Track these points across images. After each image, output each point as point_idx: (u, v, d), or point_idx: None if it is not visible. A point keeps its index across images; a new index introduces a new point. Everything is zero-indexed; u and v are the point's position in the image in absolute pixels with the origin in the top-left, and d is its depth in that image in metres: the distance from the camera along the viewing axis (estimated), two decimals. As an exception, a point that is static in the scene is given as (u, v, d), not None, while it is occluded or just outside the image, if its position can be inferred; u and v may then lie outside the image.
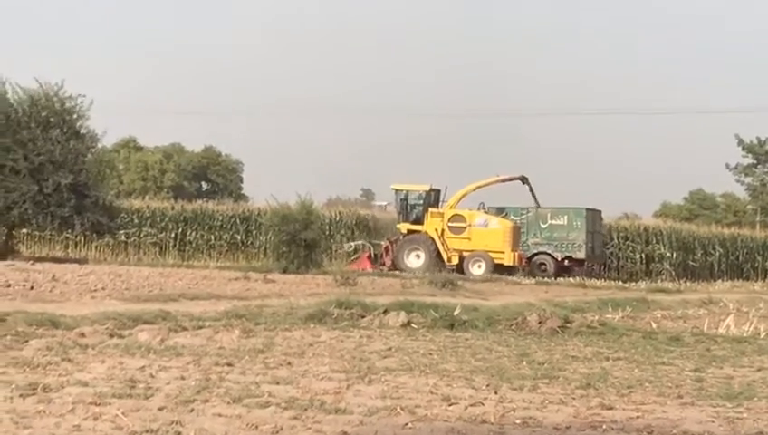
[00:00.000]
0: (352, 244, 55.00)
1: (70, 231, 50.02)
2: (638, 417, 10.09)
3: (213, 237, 62.48)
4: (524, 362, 14.28)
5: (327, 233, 55.79)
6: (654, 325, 21.33)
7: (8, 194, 42.81)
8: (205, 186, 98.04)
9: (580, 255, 51.94)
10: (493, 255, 47.54)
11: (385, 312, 20.10)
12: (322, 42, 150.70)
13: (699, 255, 63.64)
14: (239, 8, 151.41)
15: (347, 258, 53.23)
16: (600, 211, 55.60)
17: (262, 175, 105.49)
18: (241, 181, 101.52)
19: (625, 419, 9.97)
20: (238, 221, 63.21)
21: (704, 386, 12.59)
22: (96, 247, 57.14)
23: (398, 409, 10.00)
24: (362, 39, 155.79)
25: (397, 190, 51.16)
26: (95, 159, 47.22)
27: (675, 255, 61.84)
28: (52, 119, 45.06)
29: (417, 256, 47.81)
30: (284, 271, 40.69)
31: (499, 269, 46.88)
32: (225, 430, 8.65)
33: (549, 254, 51.54)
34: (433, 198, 50.37)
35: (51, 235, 53.21)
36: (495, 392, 11.33)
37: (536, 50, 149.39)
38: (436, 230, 48.77)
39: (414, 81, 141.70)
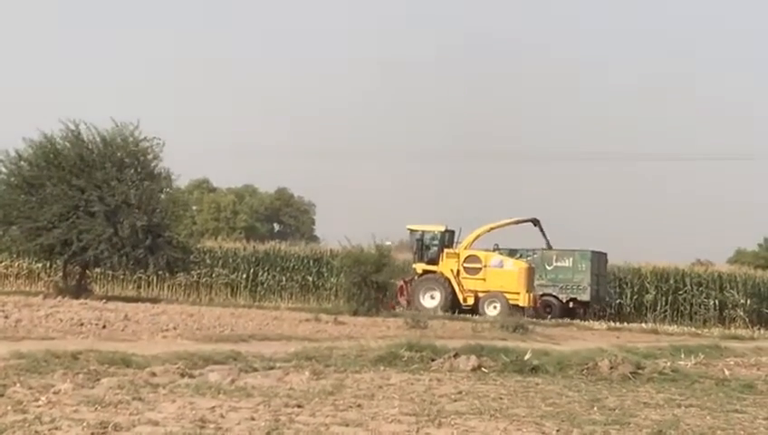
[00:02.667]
0: (395, 281, 55.01)
1: (143, 271, 50.37)
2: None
3: (284, 278, 62.58)
4: (595, 408, 14.20)
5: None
6: (727, 372, 21.08)
7: (83, 235, 43.00)
8: (277, 227, 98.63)
9: (585, 297, 51.87)
10: (508, 296, 47.41)
11: (455, 355, 20.07)
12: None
13: (774, 302, 62.93)
14: (322, 55, 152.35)
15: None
16: (605, 254, 55.54)
17: (334, 217, 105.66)
18: (313, 223, 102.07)
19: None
20: (310, 263, 63.27)
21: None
22: (168, 287, 57.46)
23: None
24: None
25: (412, 231, 51.14)
26: (169, 199, 47.38)
27: (748, 301, 61.16)
28: (126, 159, 45.31)
29: (432, 296, 47.71)
30: (355, 313, 40.67)
31: (514, 311, 46.61)
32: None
33: (554, 296, 51.54)
34: (447, 239, 50.39)
35: (123, 274, 53.57)
36: (565, 438, 11.28)
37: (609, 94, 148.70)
38: (452, 271, 48.70)
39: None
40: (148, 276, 54.76)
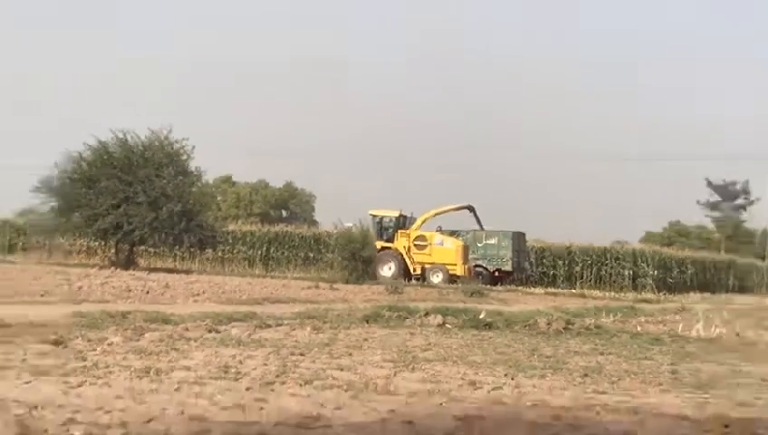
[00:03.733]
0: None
1: (179, 247, 50.52)
2: (626, 401, 10.02)
3: (291, 254, 62.74)
4: (535, 356, 14.21)
5: None
6: (639, 328, 21.16)
7: (131, 219, 43.60)
8: (285, 213, 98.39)
9: (508, 268, 52.54)
10: (448, 267, 48.24)
11: (426, 314, 20.08)
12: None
13: (675, 272, 63.28)
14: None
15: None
16: (524, 233, 56.29)
17: (330, 204, 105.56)
18: (313, 210, 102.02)
19: (615, 402, 9.90)
20: (311, 241, 63.47)
21: (678, 377, 12.50)
22: (198, 261, 57.51)
23: (435, 391, 9.98)
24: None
25: (373, 215, 51.42)
26: (199, 191, 47.95)
27: (656, 272, 61.57)
28: (164, 160, 45.78)
29: (389, 267, 48.05)
30: (346, 281, 40.75)
31: (453, 279, 47.06)
32: (299, 406, 8.65)
33: (484, 266, 51.83)
34: (401, 222, 50.71)
35: (163, 250, 53.53)
36: (512, 379, 11.29)
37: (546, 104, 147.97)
38: (404, 247, 49.23)
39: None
40: (183, 252, 54.90)
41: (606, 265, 61.93)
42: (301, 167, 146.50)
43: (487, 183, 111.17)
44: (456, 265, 48.45)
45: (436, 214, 52.33)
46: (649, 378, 12.17)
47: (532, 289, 47.72)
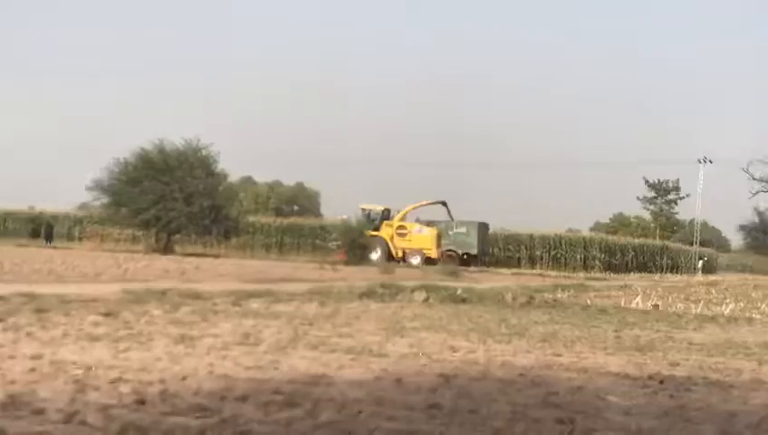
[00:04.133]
0: (334, 244, 55.57)
1: (208, 236, 50.62)
2: (577, 361, 10.04)
3: (300, 241, 62.74)
4: (503, 325, 14.22)
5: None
6: (588, 302, 21.21)
7: (169, 213, 44.12)
8: (295, 208, 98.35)
9: (474, 252, 52.52)
10: (425, 251, 48.46)
11: (412, 291, 20.11)
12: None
13: (618, 256, 63.55)
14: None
15: (332, 252, 53.58)
16: (487, 224, 56.32)
17: (333, 199, 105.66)
18: (319, 205, 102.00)
19: (569, 362, 9.91)
20: (318, 230, 63.48)
21: (621, 342, 12.52)
22: (224, 247, 57.50)
23: (420, 354, 9.99)
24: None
25: (363, 209, 51.80)
26: (225, 189, 48.50)
27: (602, 256, 61.79)
28: (195, 163, 46.22)
29: (376, 252, 48.21)
30: (347, 264, 40.76)
31: (429, 261, 47.44)
32: (307, 366, 8.65)
33: (454, 251, 51.67)
34: (386, 214, 51.06)
35: (195, 239, 53.65)
36: (484, 344, 11.30)
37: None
38: (388, 235, 49.42)
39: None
40: (211, 240, 54.93)
41: (561, 249, 62.17)
42: (309, 169, 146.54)
43: (462, 181, 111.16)
44: (431, 249, 48.79)
45: (414, 208, 52.63)
46: (597, 343, 12.19)
47: (500, 270, 47.87)
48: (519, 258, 61.23)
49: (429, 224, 51.74)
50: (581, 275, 46.77)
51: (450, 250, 51.44)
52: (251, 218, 62.97)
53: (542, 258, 61.34)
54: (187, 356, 8.94)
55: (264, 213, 78.25)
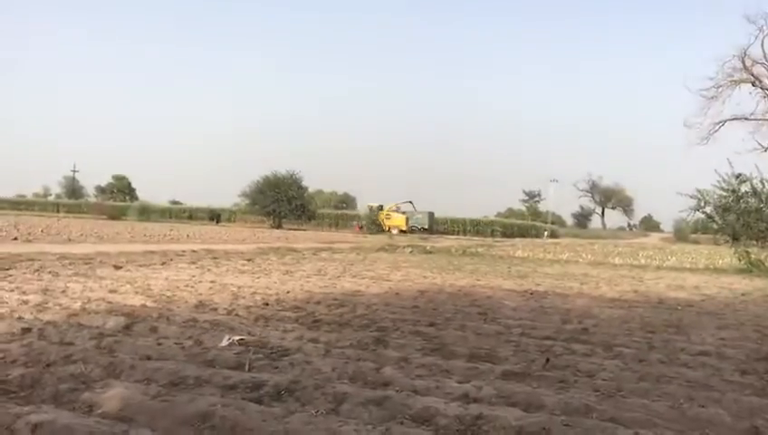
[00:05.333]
0: (354, 222, 54.52)
1: (300, 220, 50.63)
2: (488, 283, 9.97)
3: (347, 224, 62.40)
4: (451, 265, 14.15)
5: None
6: (494, 253, 21.02)
7: (279, 209, 43.97)
8: (344, 205, 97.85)
9: (426, 227, 49.94)
10: (399, 227, 47.43)
11: (404, 247, 20.00)
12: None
13: (510, 230, 62.73)
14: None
15: (353, 227, 52.30)
16: (433, 212, 53.06)
17: (365, 199, 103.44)
18: (356, 204, 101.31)
19: (484, 283, 9.85)
20: (357, 218, 62.93)
21: (510, 273, 12.41)
22: (308, 226, 57.12)
23: (408, 280, 9.94)
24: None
25: (370, 206, 50.74)
26: (307, 195, 48.34)
27: (501, 229, 61.17)
28: (291, 182, 46.19)
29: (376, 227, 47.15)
30: (371, 234, 40.57)
31: (401, 232, 45.94)
32: (351, 286, 8.62)
33: (416, 226, 49.99)
34: (380, 208, 49.64)
35: (293, 221, 53.57)
36: (440, 274, 11.25)
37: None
38: (381, 219, 48.40)
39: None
40: (301, 222, 54.82)
41: (480, 226, 61.77)
42: (351, 182, 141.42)
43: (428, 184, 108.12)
44: (402, 226, 48.23)
45: (396, 205, 51.99)
46: (498, 274, 12.13)
47: (449, 237, 47.52)
48: (459, 231, 60.95)
49: (403, 213, 51.16)
50: (490, 240, 46.45)
51: (414, 226, 50.87)
52: (321, 210, 62.78)
53: (470, 230, 60.99)
54: (289, 281, 8.94)
55: (327, 208, 77.99)
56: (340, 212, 66.48)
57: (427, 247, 20.70)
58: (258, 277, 9.16)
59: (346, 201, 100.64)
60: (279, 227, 45.62)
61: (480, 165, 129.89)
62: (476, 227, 61.14)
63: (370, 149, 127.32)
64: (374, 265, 12.99)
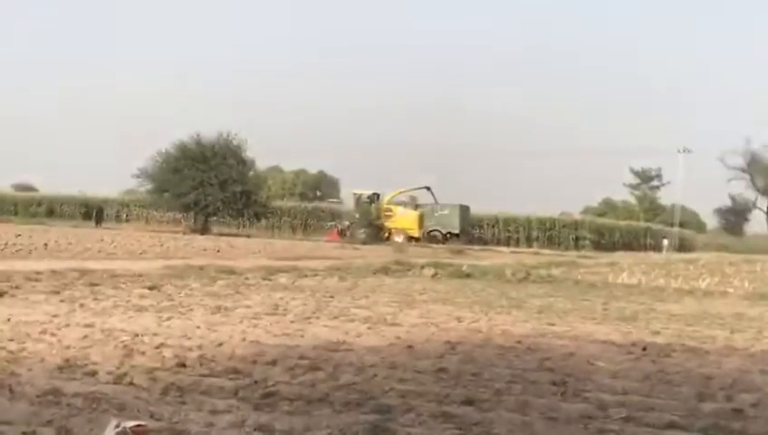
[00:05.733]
0: (329, 224, 55.62)
1: (240, 218, 50.90)
2: (570, 330, 10.03)
3: (322, 223, 62.66)
4: (503, 298, 14.22)
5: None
6: (579, 277, 21.11)
7: (207, 197, 44.47)
8: (318, 193, 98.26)
9: (456, 231, 51.31)
10: (408, 231, 47.94)
11: (422, 267, 20.12)
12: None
13: (607, 236, 63.23)
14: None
15: (327, 232, 53.42)
16: (468, 206, 54.81)
17: (352, 185, 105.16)
18: (339, 191, 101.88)
19: (562, 331, 9.90)
20: (338, 214, 63.29)
21: (608, 313, 12.50)
22: (255, 228, 57.43)
23: (429, 324, 10.00)
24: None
25: (354, 194, 51.68)
26: (254, 176, 48.65)
27: (592, 236, 61.57)
28: (228, 153, 46.43)
29: (363, 232, 47.68)
30: (364, 243, 40.75)
31: (411, 240, 46.67)
32: (329, 334, 8.67)
33: (438, 231, 50.97)
34: (374, 198, 50.26)
35: (229, 221, 53.71)
36: (486, 315, 11.30)
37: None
38: (379, 216, 49.02)
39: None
40: (243, 222, 54.94)
41: (555, 230, 62.02)
42: (330, 158, 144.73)
43: (460, 167, 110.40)
44: (413, 229, 48.64)
45: (401, 193, 52.28)
46: (586, 314, 12.17)
47: (500, 249, 47.74)
48: (518, 239, 61.11)
49: (417, 207, 51.46)
50: (573, 253, 46.54)
51: (434, 230, 51.14)
52: (278, 203, 62.97)
53: (537, 238, 61.13)
54: (223, 324, 8.98)
55: (290, 198, 78.22)
56: (311, 206, 66.86)
57: (463, 268, 20.80)
58: (169, 318, 9.22)
59: (322, 186, 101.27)
60: (205, 230, 45.89)
61: (554, 128, 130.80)
62: (548, 233, 61.48)
63: (362, 106, 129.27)
64: (370, 298, 13.05)
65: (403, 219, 49.13)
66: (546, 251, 48.03)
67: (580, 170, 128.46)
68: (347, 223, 50.21)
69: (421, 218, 50.03)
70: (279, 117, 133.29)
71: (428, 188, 52.92)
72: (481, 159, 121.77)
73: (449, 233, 51.61)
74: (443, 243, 47.84)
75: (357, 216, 49.11)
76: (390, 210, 49.53)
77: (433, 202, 52.65)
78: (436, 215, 51.99)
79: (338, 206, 63.89)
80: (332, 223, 54.39)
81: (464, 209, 53.48)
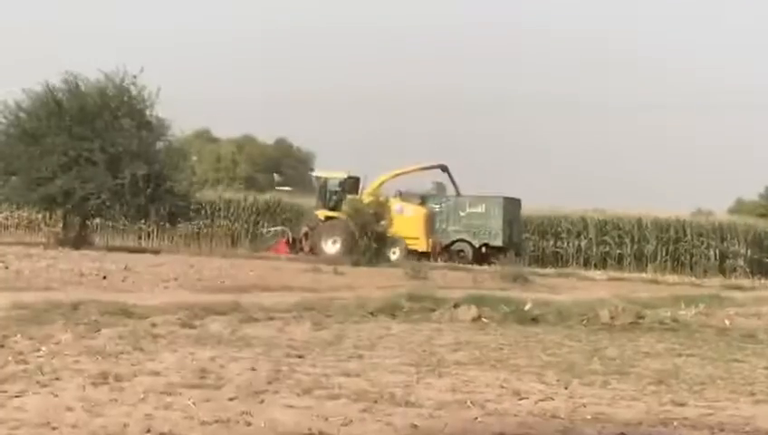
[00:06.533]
0: (271, 229, 55.83)
1: (144, 221, 50.43)
2: (709, 414, 10.02)
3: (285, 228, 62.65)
4: (595, 358, 14.22)
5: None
6: (727, 322, 21.03)
7: (84, 184, 42.90)
8: (277, 177, 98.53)
9: (497, 242, 51.94)
10: (408, 241, 47.58)
11: (456, 305, 20.10)
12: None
13: (776, 252, 62.95)
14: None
15: (266, 243, 54.25)
16: (519, 200, 55.69)
17: (335, 166, 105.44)
18: (313, 171, 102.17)
19: (697, 416, 9.90)
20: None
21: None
22: (168, 238, 57.22)
23: (468, 402, 10.01)
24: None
25: (317, 177, 52.65)
26: (169, 149, 47.26)
27: (749, 251, 61.25)
28: (122, 109, 45.31)
29: (334, 241, 47.82)
30: (355, 263, 40.67)
31: (414, 255, 46.50)
32: (296, 421, 8.68)
33: (467, 241, 51.67)
34: (351, 186, 50.75)
35: (124, 225, 53.52)
36: (566, 388, 11.30)
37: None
38: (357, 211, 49.05)
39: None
40: (149, 227, 54.73)
41: (685, 241, 61.71)
42: (296, 118, 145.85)
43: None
44: (417, 238, 48.23)
45: (397, 175, 52.22)
46: (740, 385, 12.14)
47: (592, 273, 47.66)
48: (620, 255, 61.02)
49: (421, 200, 51.58)
50: (716, 281, 46.43)
51: (459, 240, 51.21)
52: (208, 193, 62.82)
53: (655, 255, 61.02)
54: (113, 404, 8.99)
55: (229, 185, 78.24)
56: (265, 199, 66.77)
57: (526, 307, 20.75)
58: (20, 393, 9.24)
59: (283, 166, 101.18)
60: (83, 241, 45.59)
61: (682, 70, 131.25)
62: (674, 246, 61.27)
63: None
64: (365, 357, 13.11)
65: (400, 221, 48.84)
66: (669, 277, 47.95)
67: (726, 138, 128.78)
68: (304, 228, 50.79)
69: (430, 219, 49.92)
70: (206, 54, 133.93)
71: (444, 169, 52.84)
72: (551, 116, 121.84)
73: (485, 246, 51.53)
74: (477, 262, 48.19)
75: (319, 214, 49.89)
76: (376, 199, 49.46)
77: (453, 192, 52.86)
78: (463, 214, 52.04)
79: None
80: (275, 229, 54.54)
81: (510, 205, 53.38)
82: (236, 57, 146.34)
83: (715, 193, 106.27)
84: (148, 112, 46.18)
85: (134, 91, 45.81)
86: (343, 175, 50.98)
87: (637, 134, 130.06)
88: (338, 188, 50.56)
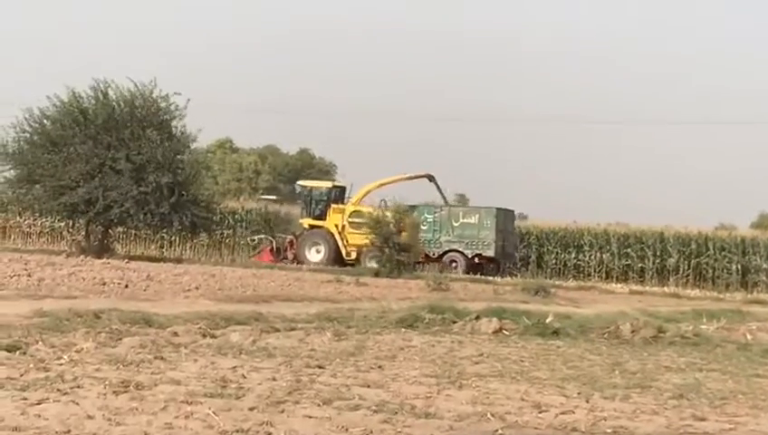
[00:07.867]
0: (255, 237, 55.77)
1: (166, 230, 50.41)
2: (731, 429, 9.97)
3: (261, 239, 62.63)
4: (616, 372, 14.17)
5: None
6: (749, 337, 20.96)
7: (108, 193, 43.08)
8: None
9: (490, 253, 51.63)
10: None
11: (477, 318, 20.07)
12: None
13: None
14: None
15: (250, 251, 54.85)
16: (512, 211, 55.76)
17: (357, 177, 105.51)
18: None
19: (718, 431, 9.85)
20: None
21: (800, 400, 12.41)
22: (190, 247, 57.34)
23: (489, 415, 9.97)
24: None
25: (302, 187, 53.33)
26: (192, 159, 47.22)
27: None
28: (148, 120, 45.39)
29: (318, 250, 48.64)
30: (377, 275, 40.67)
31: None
32: (316, 431, 8.67)
33: (460, 251, 51.39)
34: (336, 195, 51.59)
35: (146, 234, 53.59)
36: (587, 401, 11.26)
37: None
38: (336, 226, 50.15)
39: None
40: (171, 236, 54.84)
41: (707, 256, 61.45)
42: (319, 130, 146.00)
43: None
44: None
45: (383, 184, 52.38)
46: (762, 400, 12.08)
47: (613, 286, 47.54)
48: (642, 269, 60.81)
49: (413, 211, 51.48)
50: (738, 296, 46.22)
51: (454, 250, 51.11)
52: (230, 204, 62.82)
53: (677, 269, 60.81)
54: (133, 413, 8.97)
55: (251, 195, 78.25)
56: (290, 209, 66.69)
57: (548, 319, 20.70)
58: (41, 400, 9.24)
59: (310, 177, 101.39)
60: (105, 250, 45.61)
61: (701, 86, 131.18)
62: (696, 260, 61.04)
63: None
64: (386, 369, 13.11)
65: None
66: (691, 291, 47.83)
67: (751, 149, 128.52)
68: (288, 236, 51.37)
69: (415, 229, 49.73)
70: (230, 64, 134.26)
71: (431, 178, 53.03)
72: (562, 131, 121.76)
73: (478, 256, 51.49)
74: (471, 271, 48.34)
75: (304, 223, 50.68)
76: (361, 215, 49.45)
77: (444, 200, 53.14)
78: (456, 224, 52.05)
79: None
80: (257, 237, 54.70)
81: (504, 216, 53.35)
82: (261, 65, 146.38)
83: (739, 208, 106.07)
84: (173, 124, 46.45)
85: (162, 103, 46.05)
86: (328, 184, 51.56)
87: (656, 148, 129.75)
88: (323, 198, 50.89)
